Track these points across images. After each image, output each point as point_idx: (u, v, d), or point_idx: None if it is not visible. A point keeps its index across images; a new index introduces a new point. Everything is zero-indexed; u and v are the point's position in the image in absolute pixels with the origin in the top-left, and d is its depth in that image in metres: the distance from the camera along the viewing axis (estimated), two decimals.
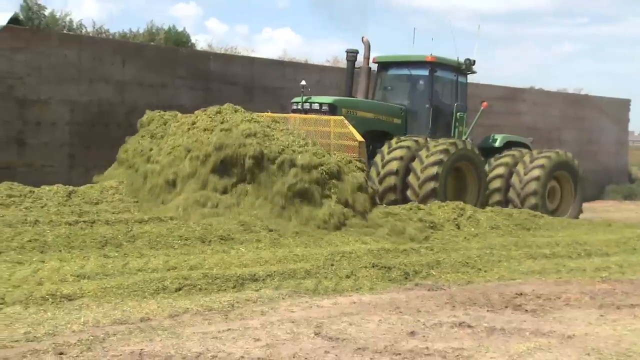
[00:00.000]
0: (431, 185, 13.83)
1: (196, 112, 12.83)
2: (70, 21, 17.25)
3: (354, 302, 7.34)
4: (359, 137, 13.11)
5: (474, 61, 16.32)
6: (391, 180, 14.07)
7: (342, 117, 13.68)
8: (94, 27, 17.85)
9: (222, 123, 11.93)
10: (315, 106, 14.69)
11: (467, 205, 13.72)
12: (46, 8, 16.29)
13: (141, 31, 19.16)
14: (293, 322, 6.38)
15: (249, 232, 10.18)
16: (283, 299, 7.32)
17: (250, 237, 10.01)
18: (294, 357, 5.37)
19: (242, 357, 5.32)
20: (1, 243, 8.56)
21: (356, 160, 12.64)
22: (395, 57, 16.63)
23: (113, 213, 10.84)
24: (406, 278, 8.62)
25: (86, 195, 11.63)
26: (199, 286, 7.44)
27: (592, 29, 66.73)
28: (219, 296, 7.20)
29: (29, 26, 15.45)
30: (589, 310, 7.34)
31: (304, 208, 10.97)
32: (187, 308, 6.66)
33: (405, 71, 16.57)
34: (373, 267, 8.77)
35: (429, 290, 8.10)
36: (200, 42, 22.82)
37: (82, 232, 9.44)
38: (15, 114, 14.55)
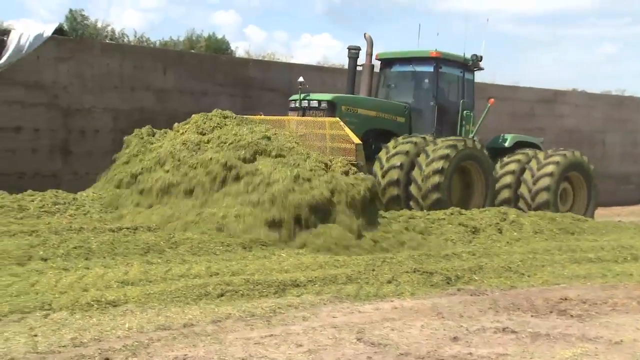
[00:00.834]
0: (436, 179, 13.34)
1: (194, 116, 12.98)
2: (113, 31, 17.58)
3: (396, 308, 7.30)
4: (356, 139, 12.62)
5: (481, 57, 15.74)
6: (394, 175, 13.56)
7: (338, 118, 13.16)
8: (135, 36, 18.16)
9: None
10: (314, 103, 14.27)
11: (510, 209, 13.54)
12: (89, 18, 16.57)
13: (181, 39, 19.41)
14: (335, 327, 6.37)
15: None
16: (324, 304, 7.31)
17: (291, 243, 10.03)
18: None
19: None
20: (48, 250, 8.71)
21: (353, 163, 12.12)
22: (398, 53, 16.08)
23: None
24: (448, 283, 8.55)
25: None
26: (241, 292, 7.48)
27: (636, 29, 65.51)
28: (261, 302, 7.22)
29: (73, 37, 15.74)
30: (637, 316, 7.21)
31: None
32: (230, 314, 6.69)
33: (409, 67, 15.98)
34: (414, 272, 8.72)
35: (471, 295, 8.03)
36: (240, 49, 23.02)
37: (125, 238, 9.56)
38: (60, 123, 14.83)
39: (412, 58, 15.66)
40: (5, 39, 14.17)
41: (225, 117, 12.71)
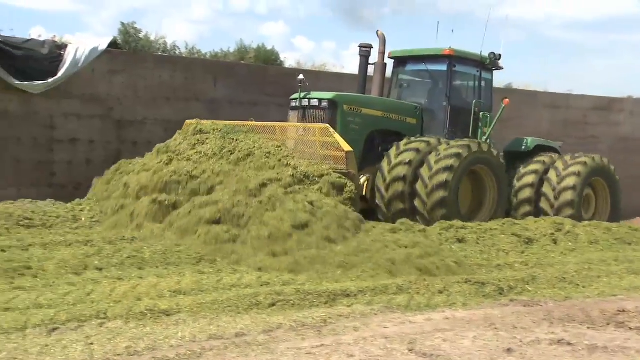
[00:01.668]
0: (440, 194, 12.41)
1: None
2: (165, 43, 17.83)
3: (448, 318, 7.23)
4: (346, 147, 11.72)
5: (500, 55, 14.88)
6: (399, 187, 12.67)
7: (327, 125, 12.23)
8: (186, 48, 18.38)
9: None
10: (314, 102, 13.41)
11: (565, 220, 13.23)
12: (142, 32, 16.86)
13: (232, 50, 19.60)
14: (386, 338, 6.34)
15: None
16: (375, 314, 7.28)
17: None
18: None
19: None
20: (102, 260, 8.87)
21: (343, 172, 11.50)
22: (411, 51, 15.23)
23: None
24: (500, 294, 8.44)
25: None
26: (292, 302, 7.50)
27: None
28: (312, 312, 7.22)
29: (127, 50, 16.04)
30: None
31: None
32: (281, 323, 6.71)
33: (421, 66, 15.21)
34: (466, 282, 8.64)
35: (524, 306, 7.90)
36: (289, 59, 23.17)
37: (177, 248, 9.68)
38: (114, 135, 15.11)
39: (425, 56, 14.93)
40: (62, 53, 14.52)
41: (207, 132, 12.72)
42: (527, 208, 14.54)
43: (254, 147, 11.91)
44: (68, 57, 14.55)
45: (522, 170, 14.91)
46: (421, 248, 9.85)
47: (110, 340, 5.90)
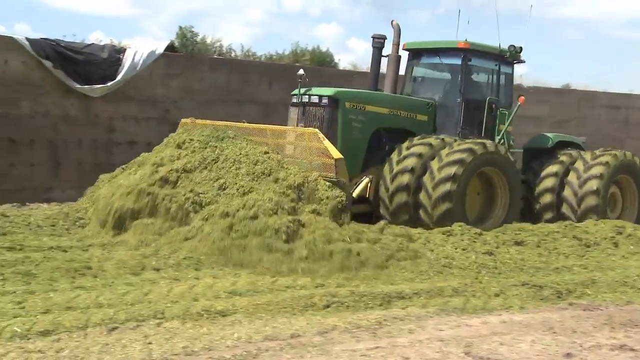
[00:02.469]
0: (445, 206, 11.55)
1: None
2: (221, 46, 18.05)
3: (504, 322, 7.12)
4: (336, 154, 10.75)
5: (521, 48, 13.91)
6: (402, 198, 11.84)
7: (317, 130, 11.29)
8: (242, 51, 18.57)
9: None
10: (314, 99, 12.56)
11: (626, 222, 12.85)
12: (198, 35, 17.11)
13: (286, 53, 19.72)
14: (442, 340, 6.28)
15: None
16: (431, 317, 7.22)
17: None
18: None
19: None
20: (159, 260, 9.01)
21: (332, 180, 10.56)
22: (426, 43, 14.30)
23: None
24: (559, 297, 8.28)
25: None
26: (347, 303, 7.49)
27: None
28: (367, 314, 7.20)
29: (183, 53, 16.28)
30: None
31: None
32: (336, 325, 6.70)
33: (436, 60, 14.33)
34: (523, 285, 8.52)
35: (584, 310, 7.74)
36: (343, 61, 23.18)
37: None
38: None
39: (439, 49, 14.03)
40: (121, 57, 14.86)
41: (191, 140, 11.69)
42: (549, 214, 13.79)
43: (240, 154, 10.98)
44: (126, 60, 14.88)
45: (541, 172, 14.11)
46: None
47: (167, 340, 5.99)
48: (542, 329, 6.82)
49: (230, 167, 10.69)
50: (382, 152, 12.73)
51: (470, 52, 13.49)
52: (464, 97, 13.50)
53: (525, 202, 13.80)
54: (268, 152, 10.97)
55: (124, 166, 12.34)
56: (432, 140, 12.38)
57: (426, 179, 11.81)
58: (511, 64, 14.30)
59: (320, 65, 18.91)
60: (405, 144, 12.35)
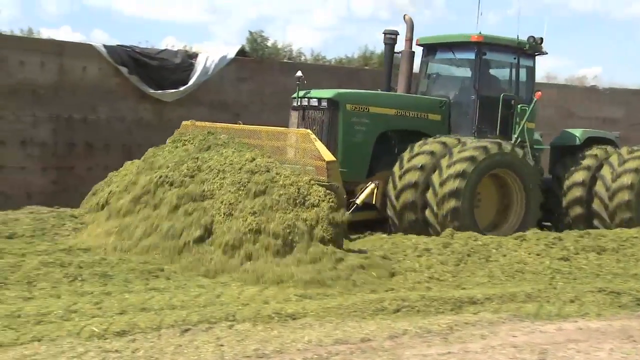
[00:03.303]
0: (452, 204, 10.97)
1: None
2: (290, 50, 18.18)
3: (580, 329, 6.94)
4: (328, 156, 9.92)
5: (541, 39, 12.98)
6: (409, 196, 11.28)
7: (308, 131, 10.61)
8: (311, 55, 18.66)
9: None
10: (313, 102, 11.98)
11: None
12: (268, 39, 17.28)
13: (356, 56, 19.72)
14: (515, 347, 6.17)
15: None
16: (503, 322, 7.09)
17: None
18: None
19: None
20: None
21: (324, 184, 9.55)
22: (439, 37, 13.53)
23: None
24: (638, 304, 8.01)
25: None
26: (417, 308, 7.42)
27: None
28: (437, 318, 7.12)
29: (254, 57, 16.47)
30: None
31: None
32: (406, 329, 6.65)
33: (450, 55, 13.58)
34: (599, 291, 8.27)
35: None
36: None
37: None
38: None
39: (452, 44, 13.24)
40: (193, 62, 15.15)
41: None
42: (578, 210, 12.96)
43: (225, 162, 10.05)
44: (198, 65, 15.17)
45: (571, 166, 13.23)
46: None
47: (239, 342, 6.05)
48: (621, 337, 6.62)
49: (214, 178, 9.83)
50: (391, 155, 12.07)
51: (484, 45, 12.69)
52: (479, 93, 12.69)
53: (553, 201, 13.06)
54: (255, 159, 9.98)
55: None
56: (447, 139, 11.87)
57: (435, 176, 11.25)
58: (532, 57, 13.38)
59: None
60: (419, 143, 11.82)
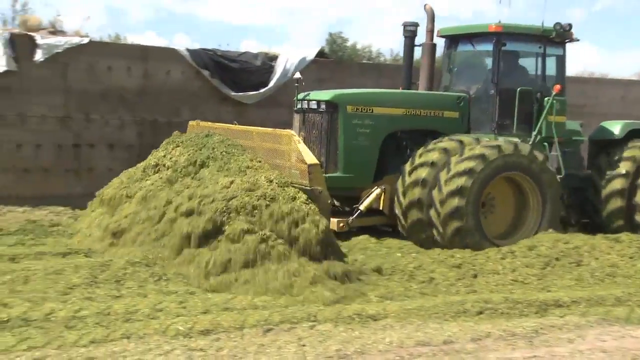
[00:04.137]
0: (454, 203, 10.11)
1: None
2: (370, 51, 18.13)
3: None
4: (310, 159, 9.17)
5: (570, 25, 11.88)
6: (416, 193, 10.45)
7: (292, 132, 10.13)
8: (391, 55, 18.56)
9: None
10: (313, 104, 11.29)
11: None
12: (348, 41, 17.28)
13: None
14: (605, 352, 6.00)
15: None
16: (591, 326, 6.91)
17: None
18: None
19: None
20: None
21: (305, 189, 9.01)
22: (460, 28, 12.64)
23: None
24: None
25: None
26: (501, 310, 7.31)
27: None
28: (522, 321, 6.99)
29: (333, 58, 16.52)
30: None
31: None
32: (489, 332, 6.56)
33: (469, 47, 12.60)
34: None
35: None
36: None
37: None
38: None
39: (471, 35, 12.30)
40: (273, 64, 15.30)
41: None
42: (619, 222, 11.80)
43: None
44: (278, 67, 15.30)
45: (608, 170, 12.07)
46: None
47: (321, 342, 6.08)
48: None
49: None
50: (402, 157, 11.27)
51: (503, 35, 11.74)
52: (499, 87, 11.75)
53: (590, 205, 12.22)
54: (233, 182, 9.22)
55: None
56: (464, 137, 11.02)
57: (435, 193, 10.37)
58: (561, 45, 12.27)
59: None
60: (420, 151, 10.89)
